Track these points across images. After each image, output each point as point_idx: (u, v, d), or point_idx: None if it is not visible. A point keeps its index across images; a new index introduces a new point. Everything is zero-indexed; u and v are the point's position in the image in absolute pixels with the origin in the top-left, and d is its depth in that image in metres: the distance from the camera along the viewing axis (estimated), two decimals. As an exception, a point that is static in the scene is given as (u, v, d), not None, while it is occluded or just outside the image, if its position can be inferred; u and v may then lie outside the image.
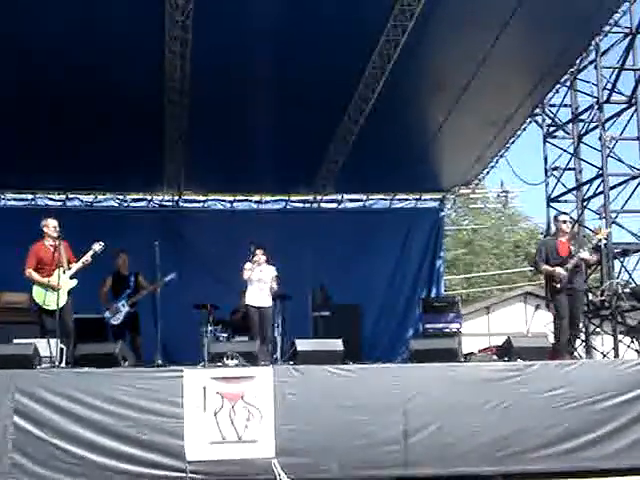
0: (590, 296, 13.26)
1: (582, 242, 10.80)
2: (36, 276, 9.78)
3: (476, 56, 11.84)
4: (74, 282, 9.90)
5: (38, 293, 9.79)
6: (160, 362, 9.45)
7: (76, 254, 10.00)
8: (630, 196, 12.84)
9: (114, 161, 13.35)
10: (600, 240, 11.28)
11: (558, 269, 10.24)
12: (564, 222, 10.67)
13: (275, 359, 10.43)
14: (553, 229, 10.87)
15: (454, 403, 8.50)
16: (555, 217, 11.23)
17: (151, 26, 10.49)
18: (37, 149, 12.97)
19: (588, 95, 13.50)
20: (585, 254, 10.43)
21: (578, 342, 13.35)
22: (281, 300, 12.02)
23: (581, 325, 10.61)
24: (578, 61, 13.16)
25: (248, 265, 11.17)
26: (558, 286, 10.25)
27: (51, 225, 9.88)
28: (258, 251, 11.21)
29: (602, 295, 12.78)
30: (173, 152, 13.53)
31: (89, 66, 11.04)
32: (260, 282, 11.20)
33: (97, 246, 9.99)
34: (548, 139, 14.47)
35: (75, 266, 9.87)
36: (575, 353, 10.59)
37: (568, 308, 10.29)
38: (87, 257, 9.91)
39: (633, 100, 12.74)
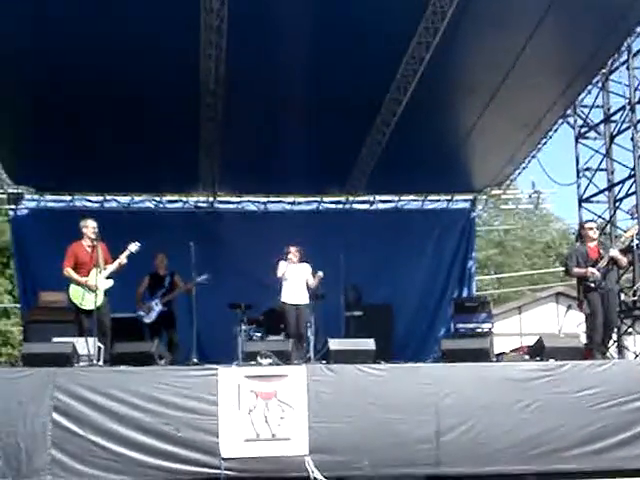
0: (622, 296, 13.24)
1: (611, 245, 10.83)
2: (74, 275, 9.95)
3: (508, 57, 11.84)
4: (110, 282, 10.05)
5: (75, 293, 9.94)
6: (195, 360, 9.59)
7: (113, 254, 10.16)
8: (662, 196, 12.81)
9: (150, 163, 13.50)
10: (630, 238, 11.31)
11: (591, 269, 10.28)
12: (590, 229, 10.69)
13: (308, 358, 10.51)
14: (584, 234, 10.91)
15: (486, 403, 8.54)
16: (581, 224, 11.32)
17: (187, 30, 10.58)
18: (75, 151, 13.13)
19: (620, 96, 13.47)
20: (615, 252, 10.45)
21: (610, 342, 13.35)
22: (314, 300, 12.10)
23: (616, 326, 10.60)
24: (610, 62, 13.13)
25: (282, 263, 11.33)
26: (592, 285, 10.29)
27: (90, 226, 10.05)
28: (292, 248, 11.34)
29: (634, 295, 12.76)
30: (208, 154, 13.65)
31: (126, 69, 11.18)
32: (295, 279, 11.33)
33: (133, 247, 10.14)
34: (580, 140, 14.46)
35: (111, 266, 10.02)
36: (607, 353, 10.57)
37: (601, 308, 10.29)
38: (123, 258, 10.07)
39: (665, 101, 12.72)
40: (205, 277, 11.20)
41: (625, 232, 11.63)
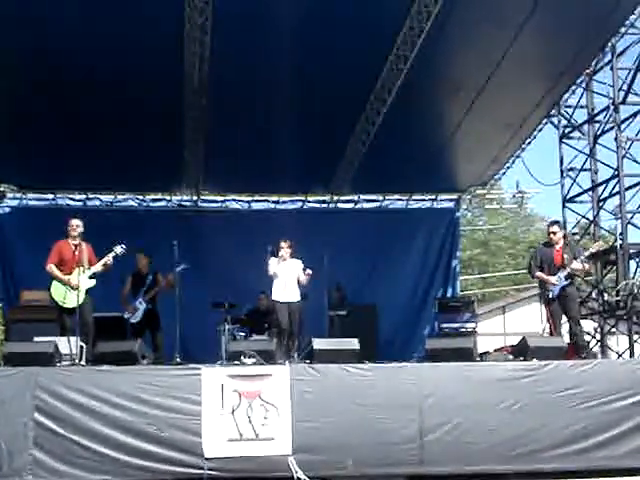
0: (606, 296, 13.31)
1: (576, 251, 10.84)
2: (57, 272, 9.90)
3: (493, 57, 11.86)
4: (92, 282, 10.00)
5: (57, 291, 9.90)
6: (179, 360, 9.56)
7: (96, 252, 10.12)
8: (646, 197, 12.86)
9: (134, 161, 13.46)
10: (595, 251, 11.41)
11: (551, 278, 10.41)
12: (554, 233, 10.73)
13: (292, 357, 10.49)
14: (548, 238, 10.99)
15: (469, 402, 8.56)
16: (547, 227, 11.27)
17: (170, 27, 10.55)
18: (57, 149, 13.09)
19: (604, 96, 13.50)
20: (577, 265, 10.52)
21: (593, 342, 13.42)
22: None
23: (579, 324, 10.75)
24: (594, 62, 13.16)
25: (273, 260, 11.08)
26: (550, 295, 10.43)
27: (74, 225, 10.01)
28: (283, 244, 11.08)
29: (617, 295, 12.81)
30: (192, 153, 13.62)
31: (108, 66, 11.12)
32: (287, 276, 11.06)
33: (119, 249, 10.10)
34: (564, 140, 14.48)
35: (95, 267, 9.98)
36: (586, 349, 10.69)
37: (562, 311, 10.49)
38: (108, 258, 10.03)
39: (649, 101, 12.76)
40: (184, 266, 11.04)
41: (592, 245, 11.76)
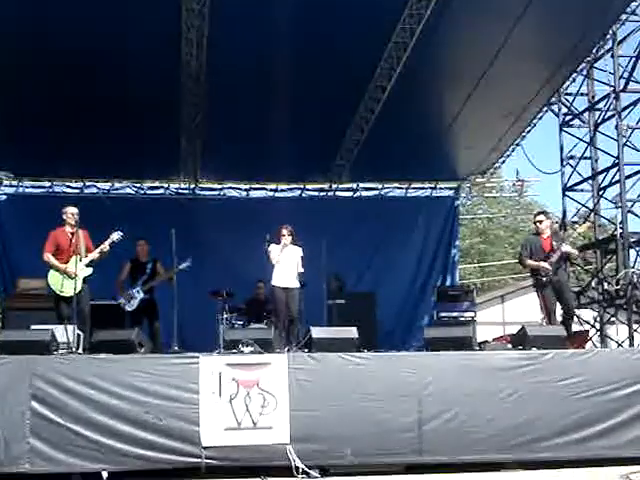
0: (605, 285, 13.28)
1: (563, 236, 10.90)
2: (53, 260, 9.87)
3: (493, 45, 11.83)
4: (90, 270, 9.97)
5: (54, 279, 9.87)
6: (177, 348, 9.52)
7: (93, 240, 10.08)
8: (646, 185, 12.84)
9: (131, 149, 13.42)
10: (581, 234, 11.43)
11: (543, 264, 10.39)
12: (540, 222, 10.73)
13: (291, 345, 10.45)
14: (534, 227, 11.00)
15: (468, 391, 8.51)
16: (534, 216, 11.21)
17: (168, 12, 10.51)
18: (54, 137, 13.04)
19: (605, 84, 13.47)
20: (567, 247, 10.59)
21: (592, 331, 13.41)
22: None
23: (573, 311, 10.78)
24: (595, 50, 13.13)
25: (274, 247, 11.01)
26: (544, 279, 10.41)
27: (70, 212, 9.97)
28: (284, 231, 11.00)
29: (617, 284, 12.79)
30: (190, 140, 13.57)
31: (106, 52, 11.07)
32: (287, 263, 11.00)
33: (116, 235, 10.05)
34: (564, 128, 14.45)
35: (92, 254, 9.94)
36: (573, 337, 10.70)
37: (556, 297, 10.48)
38: (105, 245, 9.99)
39: (650, 89, 12.71)
40: (187, 264, 11.08)
41: (577, 228, 11.75)
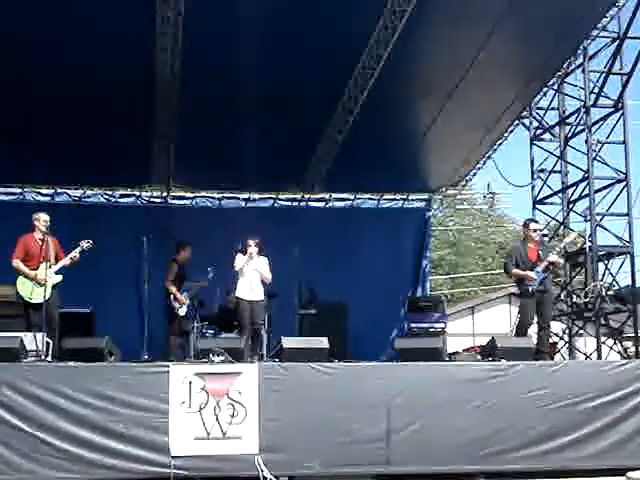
0: (574, 298, 13.38)
1: (550, 246, 10.95)
2: (23, 267, 9.78)
3: (465, 59, 11.90)
4: (59, 277, 9.89)
5: (23, 286, 9.77)
6: (146, 357, 9.49)
7: (63, 248, 10.01)
8: (615, 199, 12.97)
9: (103, 157, 13.33)
10: (569, 245, 11.48)
11: (530, 273, 10.38)
12: (534, 231, 10.73)
13: (261, 356, 10.44)
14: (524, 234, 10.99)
15: (438, 402, 8.55)
16: (525, 224, 11.07)
17: (141, 22, 10.46)
18: (25, 144, 12.93)
19: (575, 99, 13.59)
20: (554, 257, 10.57)
21: (561, 343, 13.50)
22: (268, 298, 12.01)
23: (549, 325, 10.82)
24: (566, 65, 13.26)
25: (240, 257, 11.02)
26: (530, 289, 10.39)
27: (42, 219, 9.90)
28: (251, 242, 11.00)
29: (586, 297, 12.88)
30: (162, 149, 13.53)
31: (78, 61, 11.02)
32: (252, 274, 11.02)
33: (85, 244, 10.00)
34: (535, 142, 14.57)
35: (62, 262, 9.88)
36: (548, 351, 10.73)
37: (536, 311, 10.45)
38: (75, 253, 9.93)
39: (619, 104, 12.85)
40: (212, 274, 11.66)
41: (564, 238, 11.82)
